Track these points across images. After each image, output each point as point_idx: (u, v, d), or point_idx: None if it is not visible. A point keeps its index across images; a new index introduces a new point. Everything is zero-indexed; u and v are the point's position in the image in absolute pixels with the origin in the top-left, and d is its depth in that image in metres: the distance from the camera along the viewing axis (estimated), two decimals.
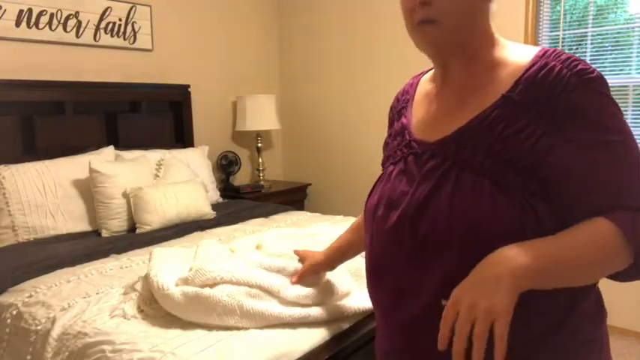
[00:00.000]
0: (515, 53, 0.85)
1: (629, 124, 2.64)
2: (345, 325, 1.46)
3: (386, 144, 1.05)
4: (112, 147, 2.81)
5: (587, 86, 0.76)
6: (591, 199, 0.77)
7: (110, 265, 1.96)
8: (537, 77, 0.78)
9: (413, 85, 1.04)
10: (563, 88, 0.76)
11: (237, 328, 1.37)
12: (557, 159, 0.76)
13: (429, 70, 1.02)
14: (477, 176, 0.79)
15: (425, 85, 1.00)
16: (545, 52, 0.82)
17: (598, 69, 0.79)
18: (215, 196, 3.17)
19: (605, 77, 0.81)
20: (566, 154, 0.76)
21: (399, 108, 1.04)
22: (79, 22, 2.81)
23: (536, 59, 0.81)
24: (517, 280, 0.70)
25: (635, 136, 0.79)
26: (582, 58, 2.73)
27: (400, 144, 0.95)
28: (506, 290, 0.70)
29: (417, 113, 0.96)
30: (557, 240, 0.75)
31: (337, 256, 1.36)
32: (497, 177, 0.78)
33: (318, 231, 2.06)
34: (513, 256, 0.72)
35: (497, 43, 0.88)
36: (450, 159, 0.82)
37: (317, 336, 1.39)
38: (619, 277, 0.80)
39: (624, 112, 2.70)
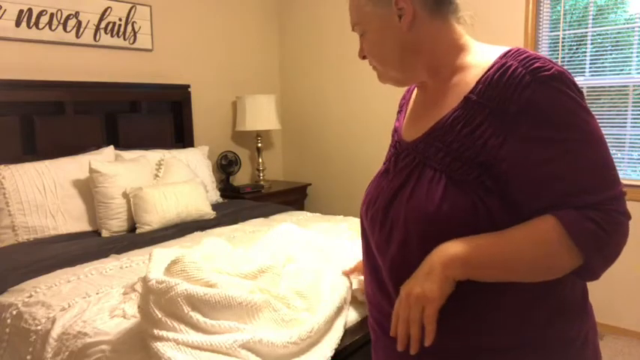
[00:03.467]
0: (484, 55, 0.86)
1: (630, 124, 2.65)
2: (345, 325, 1.46)
3: None
4: (112, 147, 2.81)
5: (542, 84, 0.76)
6: (540, 196, 0.77)
7: (110, 265, 1.96)
8: (494, 77, 0.80)
9: (410, 90, 1.09)
10: (517, 86, 0.77)
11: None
12: (508, 156, 0.77)
13: None
14: (436, 172, 0.83)
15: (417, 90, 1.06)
16: (508, 51, 0.83)
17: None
18: (215, 196, 3.17)
19: (572, 74, 0.80)
20: (517, 151, 0.77)
21: (399, 110, 1.10)
22: (79, 22, 2.81)
23: (497, 59, 0.83)
24: (447, 268, 0.77)
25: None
26: (582, 58, 2.75)
27: (391, 143, 1.02)
28: (435, 278, 0.77)
29: (408, 115, 1.02)
30: (497, 234, 0.78)
31: None
32: (453, 173, 0.81)
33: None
34: (449, 247, 0.78)
35: (466, 48, 0.89)
36: (418, 157, 0.88)
37: None
38: (579, 275, 0.80)
39: (624, 112, 2.71)
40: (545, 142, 0.75)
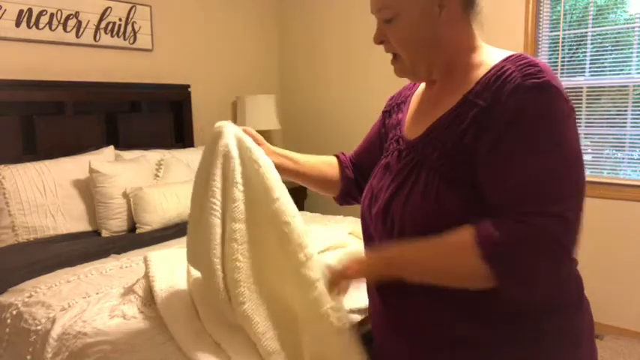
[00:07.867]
0: (491, 57, 0.87)
1: (630, 124, 2.65)
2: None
3: (379, 132, 1.14)
4: (112, 147, 2.81)
5: (529, 90, 0.76)
6: (493, 197, 0.79)
7: (110, 265, 1.96)
8: (491, 79, 0.82)
9: (416, 84, 1.08)
10: (506, 89, 0.78)
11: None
12: (480, 153, 0.79)
13: None
14: (430, 172, 0.85)
15: (422, 85, 1.05)
16: (511, 56, 0.84)
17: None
18: None
19: (561, 81, 0.81)
20: (486, 151, 0.79)
21: (400, 102, 1.09)
22: (79, 22, 2.81)
23: (499, 62, 0.84)
24: (384, 267, 0.90)
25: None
26: (582, 58, 2.75)
27: (393, 137, 1.01)
28: (371, 272, 0.94)
29: (411, 111, 1.02)
30: (422, 243, 0.82)
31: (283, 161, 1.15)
32: (446, 173, 0.83)
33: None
34: (387, 249, 0.89)
35: (478, 48, 0.90)
36: (417, 157, 0.89)
37: None
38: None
39: (624, 112, 2.71)
40: (507, 146, 0.77)
